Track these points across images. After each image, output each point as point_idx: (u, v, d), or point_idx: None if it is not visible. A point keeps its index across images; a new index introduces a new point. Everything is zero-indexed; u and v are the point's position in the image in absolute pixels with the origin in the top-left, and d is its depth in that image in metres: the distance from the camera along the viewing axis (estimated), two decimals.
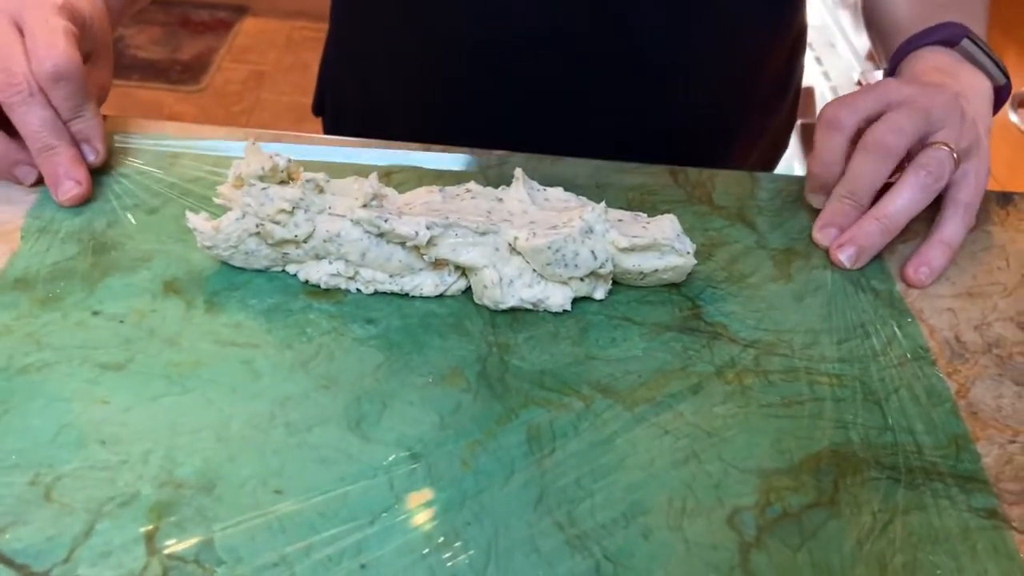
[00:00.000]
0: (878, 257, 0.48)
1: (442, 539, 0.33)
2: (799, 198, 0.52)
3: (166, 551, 0.32)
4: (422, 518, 0.34)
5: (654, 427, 0.38)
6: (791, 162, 1.50)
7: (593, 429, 0.38)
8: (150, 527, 0.33)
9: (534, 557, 0.33)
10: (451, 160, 0.52)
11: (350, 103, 0.73)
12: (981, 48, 0.53)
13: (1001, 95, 0.53)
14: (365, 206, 0.42)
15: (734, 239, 0.49)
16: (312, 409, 0.38)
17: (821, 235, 0.49)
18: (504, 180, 0.47)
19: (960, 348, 0.44)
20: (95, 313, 0.40)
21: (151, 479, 0.34)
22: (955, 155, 0.47)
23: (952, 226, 0.48)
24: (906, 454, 0.38)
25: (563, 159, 0.53)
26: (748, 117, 0.70)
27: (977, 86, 0.51)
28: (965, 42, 0.52)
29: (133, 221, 0.46)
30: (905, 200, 0.46)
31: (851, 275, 0.47)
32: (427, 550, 0.33)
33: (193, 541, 0.32)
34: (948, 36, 0.53)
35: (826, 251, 0.48)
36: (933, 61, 0.52)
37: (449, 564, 0.33)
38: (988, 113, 0.52)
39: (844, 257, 0.47)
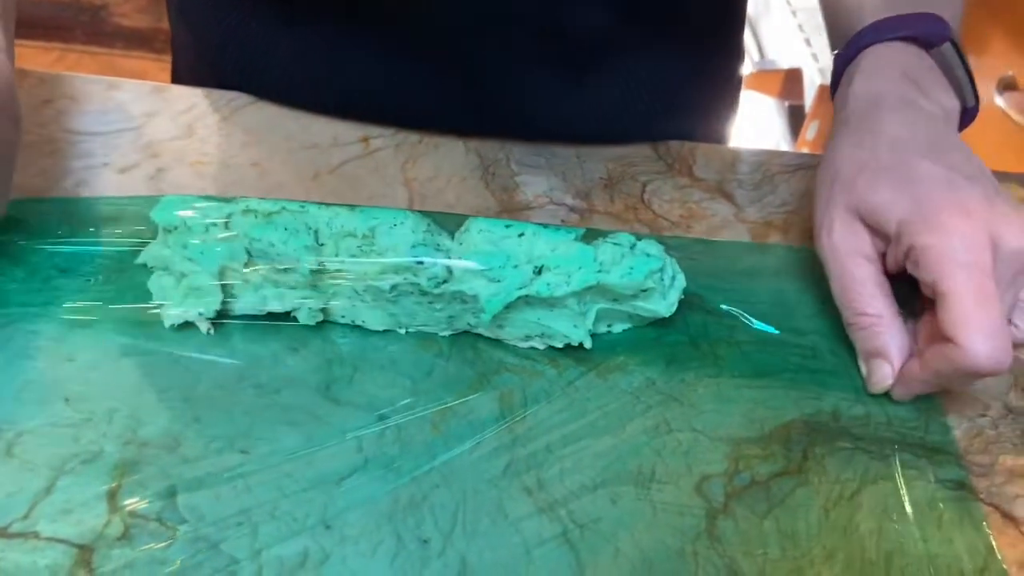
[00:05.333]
0: None
1: (409, 502, 0.33)
2: (779, 173, 0.52)
3: (128, 509, 0.31)
4: (390, 481, 0.34)
5: (626, 395, 0.38)
6: (778, 142, 1.50)
7: (564, 396, 0.38)
8: (113, 485, 0.32)
9: (501, 521, 0.33)
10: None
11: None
12: (960, 57, 0.44)
13: (965, 118, 0.45)
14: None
15: (712, 211, 0.49)
16: (282, 371, 0.37)
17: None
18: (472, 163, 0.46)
19: None
20: (62, 271, 0.40)
21: (115, 437, 0.34)
22: None
23: None
24: (876, 425, 0.38)
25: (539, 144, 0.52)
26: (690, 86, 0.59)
27: (946, 105, 0.42)
28: (946, 47, 0.44)
29: (103, 180, 0.45)
30: None
31: None
32: (394, 512, 0.33)
33: (156, 500, 0.32)
34: (927, 34, 0.44)
35: (808, 237, 0.44)
36: (902, 63, 0.43)
37: (416, 527, 0.32)
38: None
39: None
